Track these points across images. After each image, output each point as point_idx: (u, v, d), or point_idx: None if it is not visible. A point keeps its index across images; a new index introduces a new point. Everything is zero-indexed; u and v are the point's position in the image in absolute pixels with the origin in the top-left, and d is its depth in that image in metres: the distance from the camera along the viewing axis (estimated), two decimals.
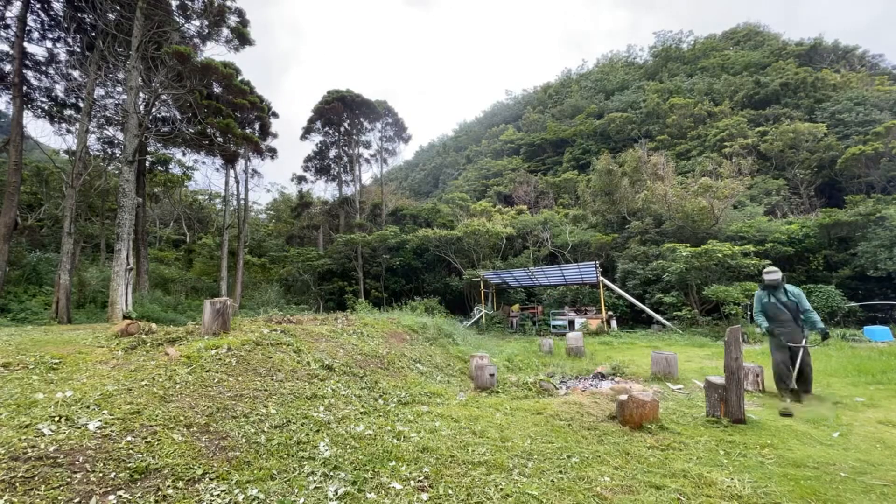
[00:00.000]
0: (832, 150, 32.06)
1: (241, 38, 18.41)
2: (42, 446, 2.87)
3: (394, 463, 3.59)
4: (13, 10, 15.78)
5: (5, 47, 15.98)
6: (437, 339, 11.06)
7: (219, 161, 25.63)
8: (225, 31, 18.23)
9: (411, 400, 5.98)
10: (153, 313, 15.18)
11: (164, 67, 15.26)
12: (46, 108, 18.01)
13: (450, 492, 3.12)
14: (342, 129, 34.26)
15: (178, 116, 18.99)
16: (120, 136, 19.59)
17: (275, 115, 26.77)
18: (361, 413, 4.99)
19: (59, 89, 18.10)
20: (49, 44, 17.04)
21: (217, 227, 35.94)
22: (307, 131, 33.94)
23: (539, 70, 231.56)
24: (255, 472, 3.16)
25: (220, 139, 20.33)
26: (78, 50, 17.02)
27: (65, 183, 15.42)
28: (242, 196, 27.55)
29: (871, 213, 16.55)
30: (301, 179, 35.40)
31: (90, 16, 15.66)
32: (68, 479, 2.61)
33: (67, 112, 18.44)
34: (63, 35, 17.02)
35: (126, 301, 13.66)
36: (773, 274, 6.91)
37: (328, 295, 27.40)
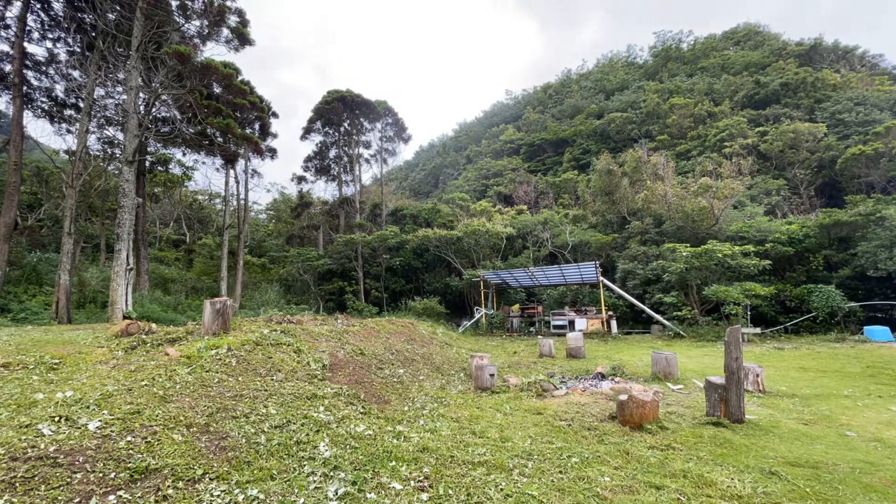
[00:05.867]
0: (832, 150, 32.05)
1: (241, 38, 18.40)
2: (42, 446, 2.87)
3: (394, 463, 3.59)
4: (13, 10, 15.79)
5: (5, 47, 16.00)
6: (438, 340, 11.07)
7: (219, 161, 25.62)
8: (225, 31, 18.22)
9: (412, 400, 5.98)
10: (153, 313, 15.18)
11: (164, 67, 15.25)
12: (46, 108, 18.01)
13: (450, 492, 3.12)
14: (342, 129, 34.24)
15: (178, 116, 18.96)
16: (120, 136, 19.59)
17: (275, 115, 26.78)
18: (362, 413, 4.99)
19: (59, 89, 18.11)
20: (49, 44, 17.06)
21: (217, 227, 35.94)
22: (307, 131, 33.92)
23: (539, 70, 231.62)
24: (255, 472, 3.17)
25: (220, 139, 20.30)
26: (78, 50, 17.02)
27: (65, 183, 15.42)
28: (242, 196, 27.55)
29: (871, 213, 16.54)
30: (301, 179, 35.40)
31: (90, 16, 15.66)
32: (68, 479, 2.61)
33: (67, 112, 18.44)
34: (63, 35, 17.01)
35: (126, 301, 13.66)
36: None
37: (328, 295, 27.39)
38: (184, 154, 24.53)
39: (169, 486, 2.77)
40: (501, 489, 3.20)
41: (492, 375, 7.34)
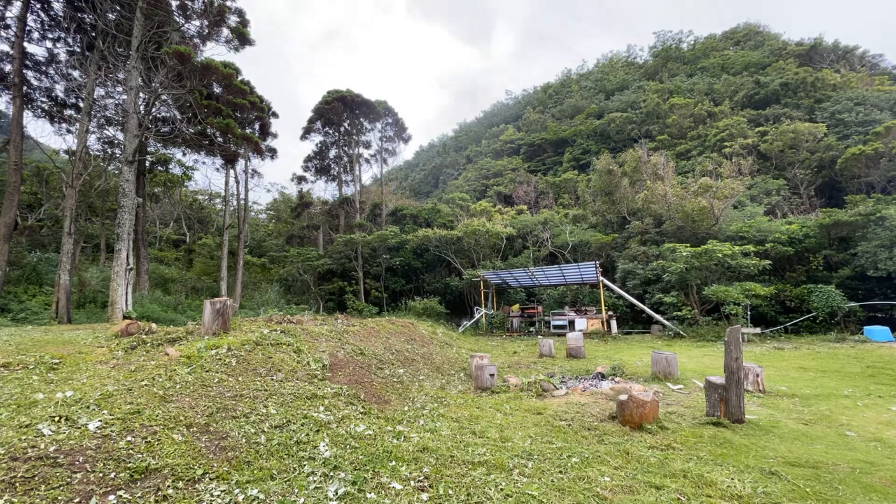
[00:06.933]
0: (832, 150, 32.04)
1: (241, 38, 18.40)
2: (42, 446, 2.87)
3: (394, 463, 3.59)
4: (13, 10, 15.79)
5: (5, 47, 16.00)
6: (438, 340, 11.07)
7: (219, 161, 25.62)
8: (225, 31, 18.23)
9: (412, 400, 5.98)
10: (153, 313, 15.18)
11: (164, 67, 15.25)
12: (46, 108, 18.00)
13: (450, 492, 3.12)
14: (342, 129, 34.23)
15: (178, 116, 18.95)
16: (120, 136, 19.59)
17: (275, 115, 26.77)
18: (362, 413, 4.99)
19: (59, 89, 18.10)
20: (49, 44, 17.05)
21: (217, 227, 35.94)
22: (307, 131, 33.90)
23: (539, 70, 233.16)
24: (255, 472, 3.17)
25: (220, 139, 20.29)
26: (78, 50, 17.02)
27: (65, 183, 15.42)
28: (242, 196, 27.55)
29: (871, 213, 16.54)
30: (301, 179, 35.39)
31: (90, 16, 15.66)
32: (68, 479, 2.61)
33: (67, 112, 18.43)
34: (63, 35, 17.01)
35: (126, 301, 13.66)
36: None
37: (328, 295, 27.39)
38: (184, 154, 24.53)
39: (169, 486, 2.77)
40: (501, 489, 3.20)
41: (492, 375, 7.34)
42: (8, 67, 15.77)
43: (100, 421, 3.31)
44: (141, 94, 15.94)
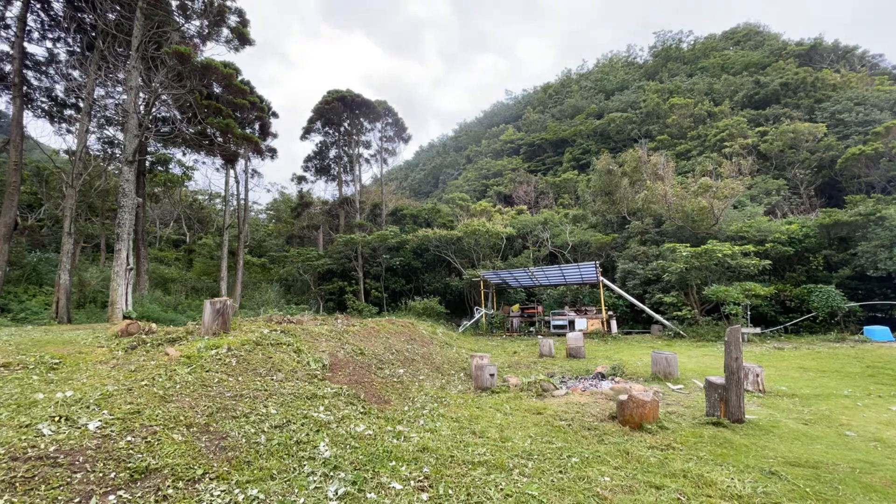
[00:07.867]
0: (832, 150, 32.04)
1: (241, 38, 18.41)
2: (42, 446, 2.87)
3: (394, 463, 3.59)
4: (13, 10, 15.79)
5: (5, 47, 16.01)
6: (438, 340, 11.06)
7: (219, 161, 25.62)
8: (225, 31, 18.24)
9: (412, 400, 5.98)
10: (153, 313, 15.18)
11: (164, 67, 15.25)
12: (46, 108, 18.01)
13: (450, 492, 3.12)
14: (342, 129, 34.22)
15: (178, 116, 18.95)
16: (120, 136, 19.59)
17: (275, 115, 26.76)
18: (362, 413, 4.99)
19: (59, 89, 18.11)
20: (49, 44, 17.07)
21: (217, 227, 35.93)
22: (307, 131, 33.90)
23: (539, 70, 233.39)
24: (255, 472, 3.17)
25: (220, 139, 20.29)
26: (78, 50, 17.02)
27: (65, 183, 15.42)
28: (242, 196, 27.55)
29: (871, 213, 16.54)
30: (301, 179, 35.39)
31: (90, 16, 15.66)
32: (68, 479, 2.61)
33: (67, 112, 18.44)
34: (63, 35, 17.02)
35: (126, 301, 13.66)
36: None
37: (328, 295, 27.38)
38: (184, 154, 24.54)
39: (169, 486, 2.77)
40: (501, 489, 3.20)
41: (492, 375, 7.34)
42: (8, 67, 15.77)
43: (100, 421, 3.31)
44: (141, 94, 15.93)
